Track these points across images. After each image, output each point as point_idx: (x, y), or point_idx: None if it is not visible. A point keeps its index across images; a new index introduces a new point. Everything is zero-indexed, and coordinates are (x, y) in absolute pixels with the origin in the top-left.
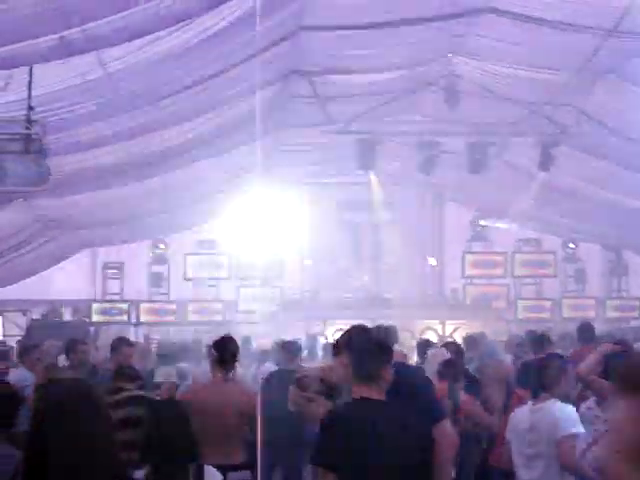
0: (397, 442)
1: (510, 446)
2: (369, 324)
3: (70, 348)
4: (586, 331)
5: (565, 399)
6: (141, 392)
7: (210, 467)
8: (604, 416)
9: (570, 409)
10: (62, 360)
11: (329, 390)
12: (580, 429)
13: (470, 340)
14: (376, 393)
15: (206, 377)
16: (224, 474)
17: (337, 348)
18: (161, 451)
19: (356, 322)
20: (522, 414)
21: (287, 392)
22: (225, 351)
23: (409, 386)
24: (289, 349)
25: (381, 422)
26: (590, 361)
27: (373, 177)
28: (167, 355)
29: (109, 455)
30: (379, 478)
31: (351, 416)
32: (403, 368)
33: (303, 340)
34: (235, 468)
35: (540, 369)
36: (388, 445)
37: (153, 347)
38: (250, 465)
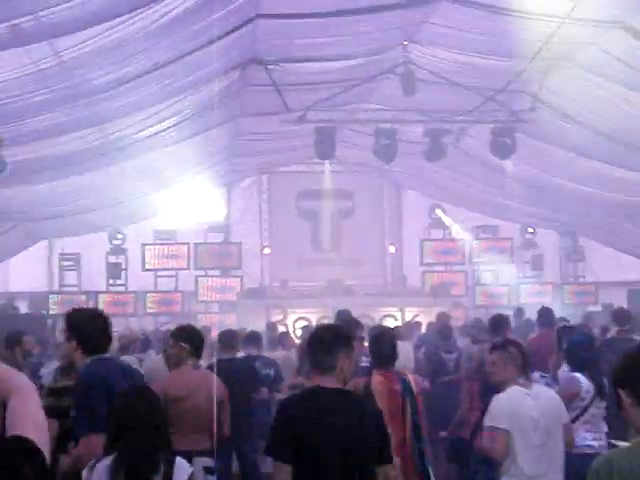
0: (349, 430)
1: (503, 435)
2: (329, 312)
3: None
4: (545, 316)
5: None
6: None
7: (180, 458)
8: None
9: None
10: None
11: None
12: None
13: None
14: (331, 382)
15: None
16: (190, 459)
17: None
18: (130, 439)
19: (316, 310)
20: (523, 400)
21: (237, 382)
22: (198, 341)
23: None
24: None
25: (333, 410)
26: None
27: (331, 166)
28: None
29: None
30: (332, 467)
31: (302, 405)
32: None
33: (263, 329)
34: (200, 454)
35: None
36: (340, 434)
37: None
38: (212, 451)
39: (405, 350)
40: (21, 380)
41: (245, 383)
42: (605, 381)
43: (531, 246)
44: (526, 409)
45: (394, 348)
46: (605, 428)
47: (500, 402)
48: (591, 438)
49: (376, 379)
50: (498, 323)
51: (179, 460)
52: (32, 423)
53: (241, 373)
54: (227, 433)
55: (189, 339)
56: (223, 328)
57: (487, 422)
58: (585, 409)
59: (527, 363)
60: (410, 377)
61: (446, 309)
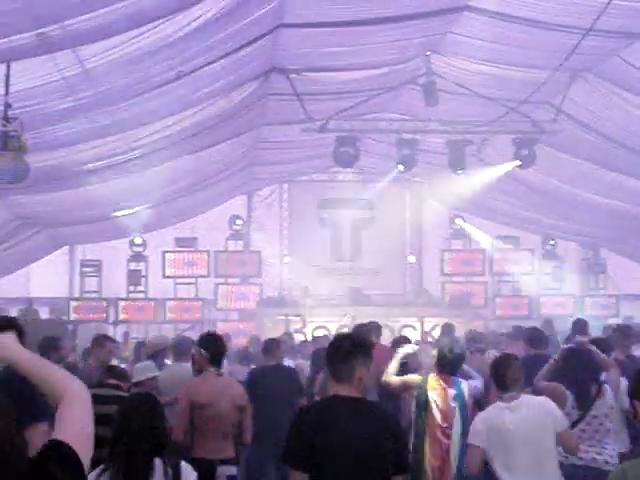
0: (366, 439)
1: (476, 450)
2: (348, 322)
3: (97, 344)
4: (580, 327)
5: None
6: (123, 393)
7: (186, 464)
8: None
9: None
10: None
11: None
12: None
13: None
14: (348, 391)
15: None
16: (214, 467)
17: None
18: (130, 446)
19: (335, 319)
20: (500, 414)
21: (274, 388)
22: (217, 348)
23: None
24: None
25: (350, 419)
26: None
27: (352, 175)
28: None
29: None
30: (348, 476)
31: (319, 414)
32: None
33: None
34: (225, 462)
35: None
36: (357, 443)
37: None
38: (237, 460)
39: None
40: (72, 383)
41: (288, 390)
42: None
43: (552, 258)
44: (503, 423)
45: (462, 359)
46: (603, 442)
47: (477, 420)
48: (582, 450)
49: (432, 377)
50: (539, 338)
51: (184, 465)
52: (74, 428)
53: (286, 380)
54: (248, 440)
55: (208, 347)
56: (241, 336)
57: (468, 440)
58: (572, 425)
59: (500, 376)
60: (465, 384)
61: (466, 320)
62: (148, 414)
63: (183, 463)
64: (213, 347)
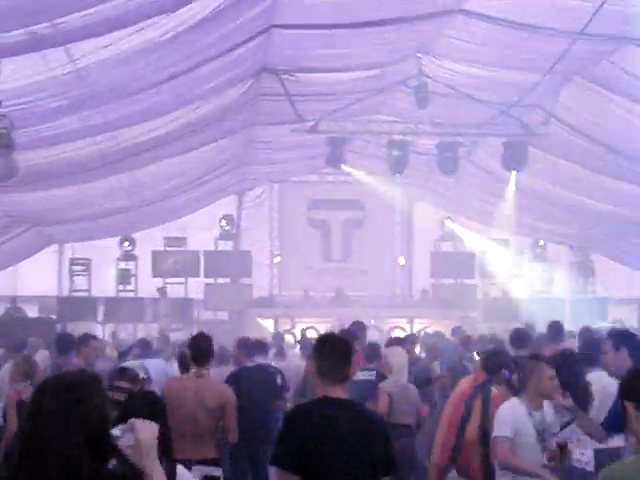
0: (356, 440)
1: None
2: (337, 323)
3: (82, 342)
4: (555, 330)
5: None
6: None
7: (181, 467)
8: None
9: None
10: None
11: None
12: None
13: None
14: (339, 392)
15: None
16: (189, 468)
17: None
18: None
19: (324, 320)
20: None
21: (256, 388)
22: (199, 348)
23: None
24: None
25: (340, 420)
26: None
27: (343, 176)
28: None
29: None
30: (338, 477)
31: (310, 415)
32: None
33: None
34: (203, 463)
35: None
36: (347, 444)
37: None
38: (219, 461)
39: None
40: None
41: (266, 391)
42: None
43: (542, 260)
44: None
45: None
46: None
47: None
48: None
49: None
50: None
51: (180, 469)
52: None
53: (263, 381)
54: (233, 440)
55: (191, 347)
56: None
57: None
58: None
59: None
60: None
61: (455, 322)
62: (151, 414)
63: (179, 467)
64: (195, 347)
